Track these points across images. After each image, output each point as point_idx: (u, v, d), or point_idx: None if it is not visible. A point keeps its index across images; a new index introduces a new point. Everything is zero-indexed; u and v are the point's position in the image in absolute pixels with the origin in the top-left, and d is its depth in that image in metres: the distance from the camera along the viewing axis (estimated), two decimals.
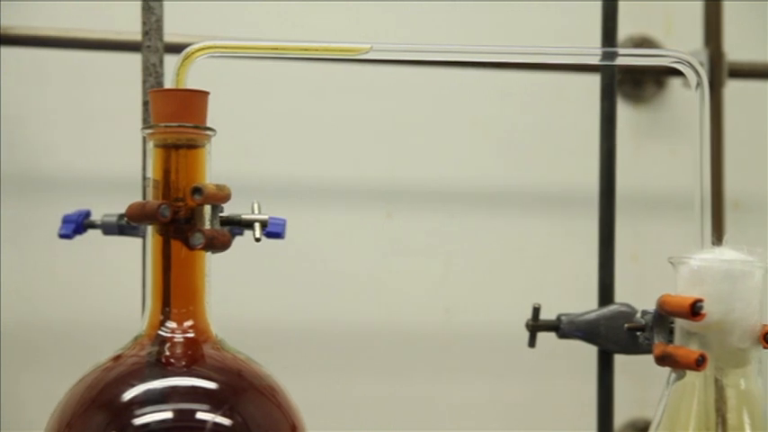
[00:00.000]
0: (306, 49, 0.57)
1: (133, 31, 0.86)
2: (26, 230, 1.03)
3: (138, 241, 0.77)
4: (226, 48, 0.55)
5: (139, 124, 0.77)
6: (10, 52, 1.02)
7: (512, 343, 0.98)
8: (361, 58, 0.53)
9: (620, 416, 1.01)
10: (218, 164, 0.56)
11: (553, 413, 1.11)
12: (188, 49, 0.54)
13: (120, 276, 0.95)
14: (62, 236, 0.76)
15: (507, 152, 1.12)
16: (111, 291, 1.02)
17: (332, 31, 1.06)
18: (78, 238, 0.77)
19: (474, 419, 1.10)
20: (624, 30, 0.79)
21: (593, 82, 0.80)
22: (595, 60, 0.58)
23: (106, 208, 0.77)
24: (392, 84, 1.08)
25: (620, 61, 0.60)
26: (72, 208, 0.78)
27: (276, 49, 0.55)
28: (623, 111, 1.10)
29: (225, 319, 0.56)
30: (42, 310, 1.04)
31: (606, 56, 0.60)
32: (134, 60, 0.86)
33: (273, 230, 0.65)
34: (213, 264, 0.55)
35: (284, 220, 0.67)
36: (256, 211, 0.58)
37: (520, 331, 0.74)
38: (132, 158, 0.82)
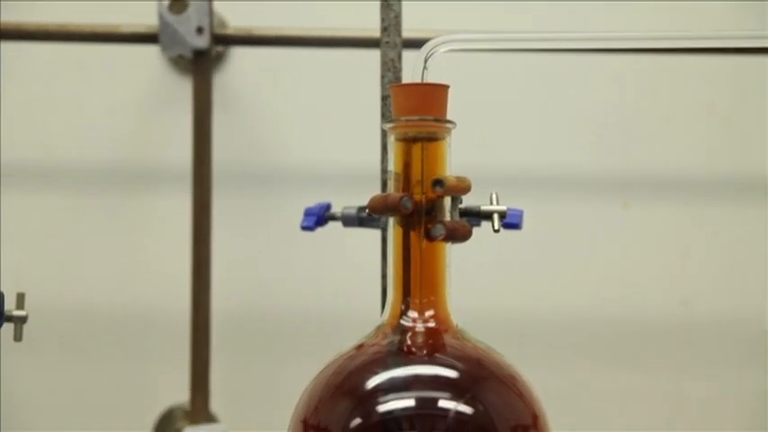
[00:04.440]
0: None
1: (370, 28, 0.87)
2: (267, 223, 1.07)
3: (375, 233, 0.79)
4: (465, 42, 0.55)
5: (376, 118, 0.78)
6: (248, 52, 1.06)
7: (756, 336, 0.95)
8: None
9: None
10: (457, 155, 0.56)
11: None
12: (429, 44, 0.55)
13: (358, 267, 0.97)
14: (304, 228, 0.77)
15: (746, 140, 1.08)
16: (350, 281, 1.05)
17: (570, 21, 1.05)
18: (318, 229, 0.79)
19: (712, 413, 1.07)
20: None
21: None
22: None
23: (342, 200, 0.79)
24: (629, 72, 1.06)
25: None
26: (310, 201, 0.80)
27: (514, 42, 0.55)
28: None
29: (464, 308, 0.57)
30: (283, 300, 1.07)
31: None
32: (369, 56, 0.88)
33: (511, 221, 0.65)
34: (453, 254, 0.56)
35: (522, 211, 0.67)
36: (494, 203, 0.59)
37: (764, 324, 0.72)
38: (368, 152, 0.83)
